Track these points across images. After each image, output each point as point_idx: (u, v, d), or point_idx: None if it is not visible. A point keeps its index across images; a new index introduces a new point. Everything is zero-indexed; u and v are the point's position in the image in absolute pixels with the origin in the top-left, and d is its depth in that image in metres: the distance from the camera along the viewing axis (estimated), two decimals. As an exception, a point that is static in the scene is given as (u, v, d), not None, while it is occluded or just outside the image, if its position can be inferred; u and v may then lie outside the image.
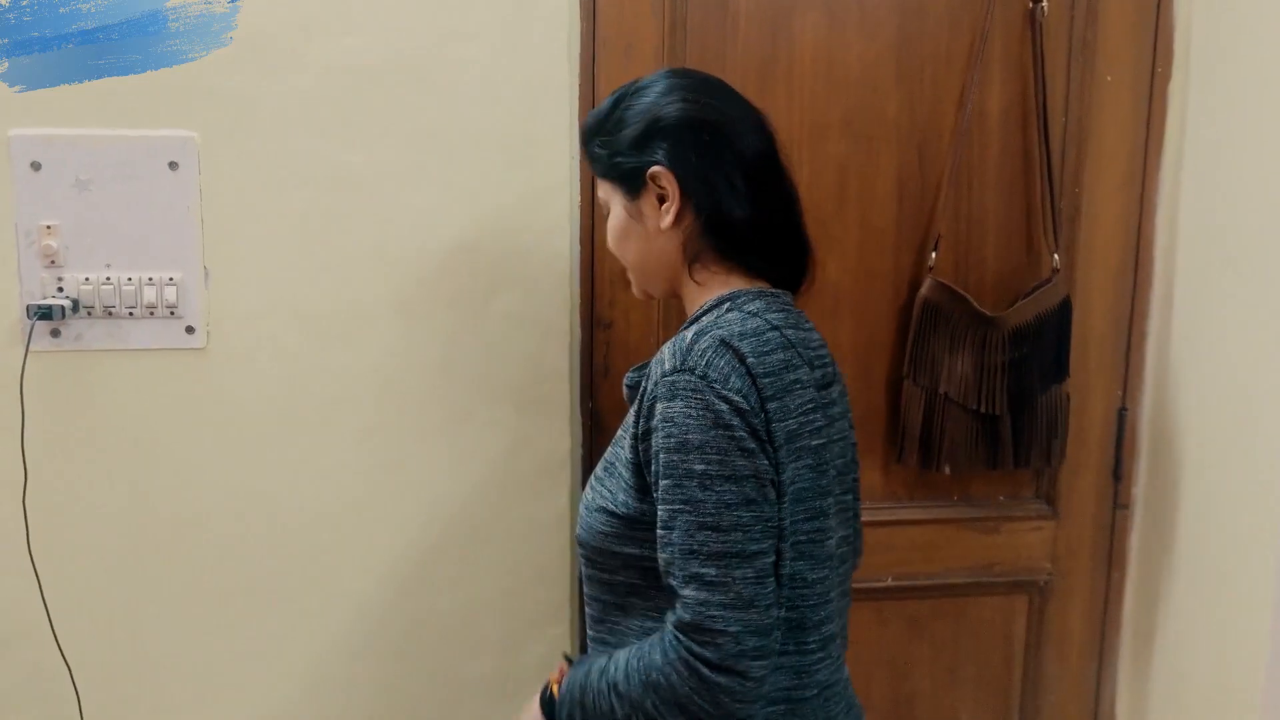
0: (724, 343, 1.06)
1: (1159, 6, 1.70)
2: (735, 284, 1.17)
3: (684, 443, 1.03)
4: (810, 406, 1.12)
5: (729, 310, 1.13)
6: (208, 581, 1.59)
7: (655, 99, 1.16)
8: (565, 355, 1.64)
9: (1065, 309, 1.68)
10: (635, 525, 1.10)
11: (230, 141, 1.51)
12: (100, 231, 1.50)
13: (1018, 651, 1.82)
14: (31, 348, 1.48)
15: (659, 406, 1.06)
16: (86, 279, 1.50)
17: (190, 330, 1.53)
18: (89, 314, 1.50)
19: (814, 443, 1.12)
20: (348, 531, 1.61)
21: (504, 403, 1.62)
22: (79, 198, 1.49)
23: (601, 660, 1.10)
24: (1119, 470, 1.79)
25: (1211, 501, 1.64)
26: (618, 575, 1.14)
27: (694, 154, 1.14)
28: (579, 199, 1.62)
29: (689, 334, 1.09)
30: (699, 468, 1.02)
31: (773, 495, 1.05)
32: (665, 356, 1.09)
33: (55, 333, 1.50)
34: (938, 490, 1.76)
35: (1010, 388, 1.67)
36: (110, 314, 1.51)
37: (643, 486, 1.09)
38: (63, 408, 1.52)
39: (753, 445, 1.04)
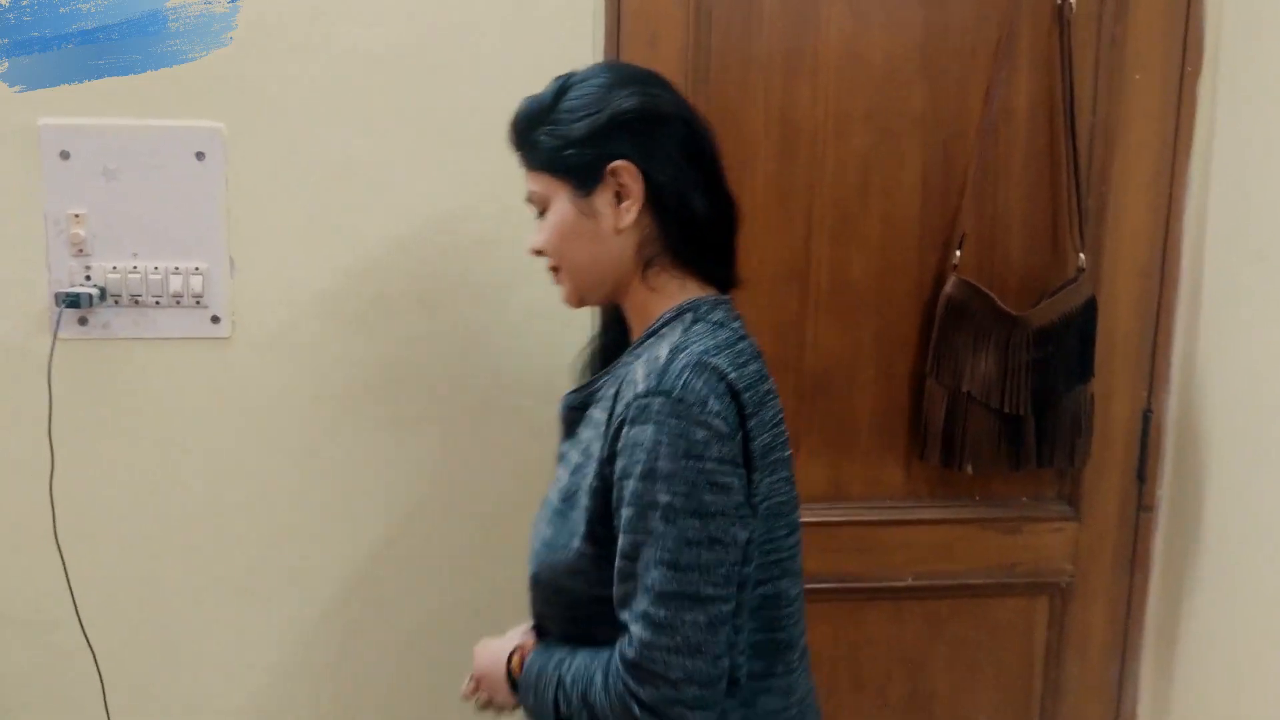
0: (702, 361, 1.00)
1: (1189, 4, 1.68)
2: (691, 291, 1.11)
3: (651, 470, 0.96)
4: (780, 417, 1.08)
5: (695, 322, 1.07)
6: (230, 567, 1.61)
7: (606, 90, 1.08)
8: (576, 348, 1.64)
9: (1090, 308, 1.67)
10: (604, 562, 1.03)
11: (256, 132, 1.52)
12: (128, 221, 1.51)
13: (1038, 653, 1.80)
14: (59, 335, 1.50)
15: (628, 430, 0.99)
16: (114, 268, 1.51)
17: (216, 320, 1.54)
18: (116, 302, 1.52)
19: (785, 454, 1.08)
20: (369, 519, 1.62)
21: (524, 393, 1.63)
22: (107, 187, 1.51)
23: (563, 652, 1.08)
24: (1143, 472, 1.77)
25: (1237, 504, 1.62)
26: (582, 611, 1.08)
27: (660, 149, 1.07)
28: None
29: (662, 351, 1.02)
30: (664, 499, 0.96)
31: (741, 537, 1.00)
32: (638, 376, 1.01)
33: (83, 320, 1.52)
34: (959, 489, 1.75)
35: (1034, 387, 1.66)
36: (137, 303, 1.52)
37: (609, 515, 1.03)
38: (89, 395, 1.54)
39: (726, 479, 0.98)
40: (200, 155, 1.51)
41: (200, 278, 1.53)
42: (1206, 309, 1.70)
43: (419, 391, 1.61)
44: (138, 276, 1.51)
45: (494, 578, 1.66)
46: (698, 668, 0.95)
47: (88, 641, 1.55)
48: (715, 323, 1.07)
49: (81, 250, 1.51)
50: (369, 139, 1.55)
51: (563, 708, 1.04)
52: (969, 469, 1.68)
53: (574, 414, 1.14)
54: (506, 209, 1.59)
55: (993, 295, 1.65)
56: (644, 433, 0.97)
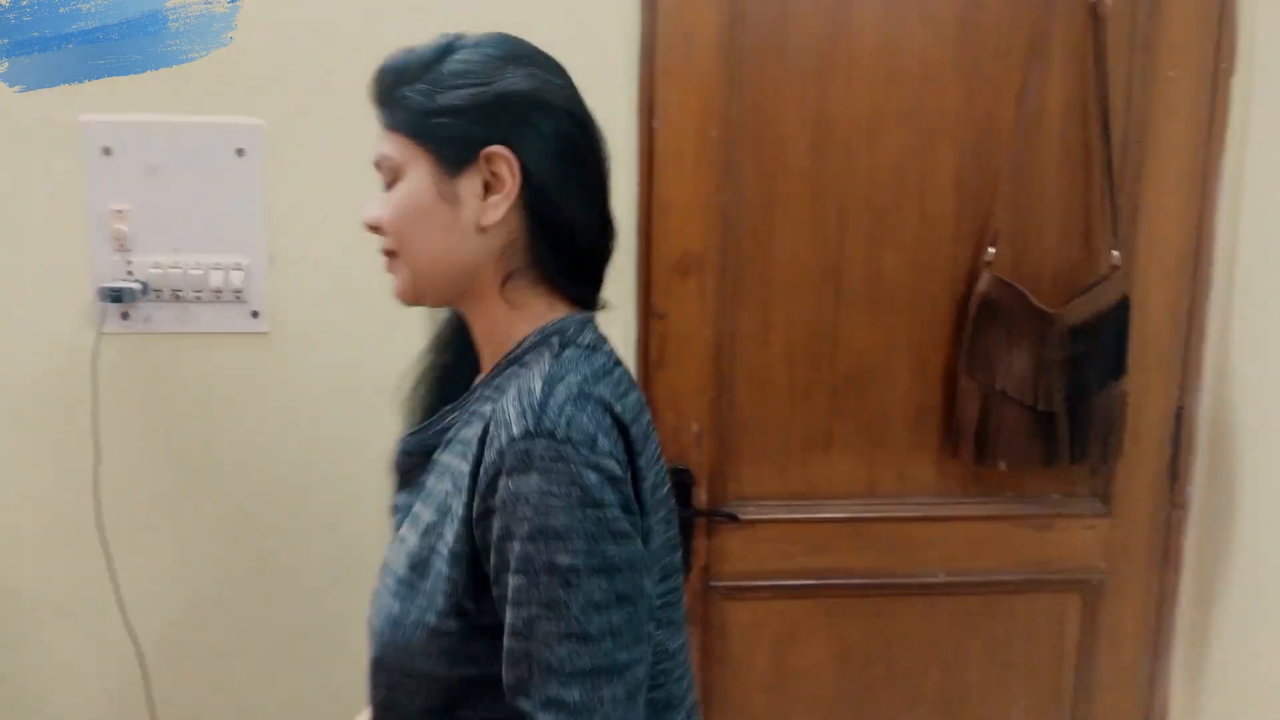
0: (584, 392, 0.86)
1: (1222, 1, 1.68)
2: (559, 311, 0.95)
3: (543, 529, 0.81)
4: (659, 451, 0.97)
5: (564, 346, 0.92)
6: (270, 559, 1.62)
7: (499, 63, 0.93)
8: (621, 345, 1.64)
9: (1124, 306, 1.67)
10: (472, 637, 0.87)
11: (296, 130, 1.53)
12: (169, 216, 1.53)
13: (1070, 650, 1.80)
14: (103, 329, 1.52)
15: (506, 481, 0.82)
16: (156, 263, 1.53)
17: (255, 315, 1.56)
18: (158, 297, 1.53)
19: (664, 490, 0.96)
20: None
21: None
22: (148, 183, 1.52)
23: None
24: (1175, 469, 1.77)
25: (1270, 502, 1.62)
26: (441, 696, 0.90)
27: (546, 144, 0.92)
28: (636, 189, 1.62)
29: (534, 384, 0.86)
30: (563, 560, 0.80)
31: (647, 587, 0.86)
32: (508, 416, 0.85)
33: (125, 315, 1.53)
34: (991, 486, 1.75)
35: (1067, 385, 1.66)
36: (178, 298, 1.54)
37: (478, 583, 0.86)
38: (133, 388, 1.55)
39: (626, 525, 0.84)
40: (240, 152, 1.52)
41: (240, 273, 1.54)
42: (1239, 307, 1.70)
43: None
44: (179, 272, 1.53)
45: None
46: None
47: (130, 632, 1.57)
48: (587, 346, 0.93)
49: (124, 245, 1.52)
50: (407, 136, 1.56)
51: None
52: (1002, 465, 1.68)
53: (414, 460, 0.98)
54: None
55: (1026, 292, 1.65)
56: (527, 483, 0.81)
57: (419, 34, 1.52)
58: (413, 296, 0.98)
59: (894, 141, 1.67)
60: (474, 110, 0.91)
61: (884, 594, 1.75)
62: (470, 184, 0.92)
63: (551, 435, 0.82)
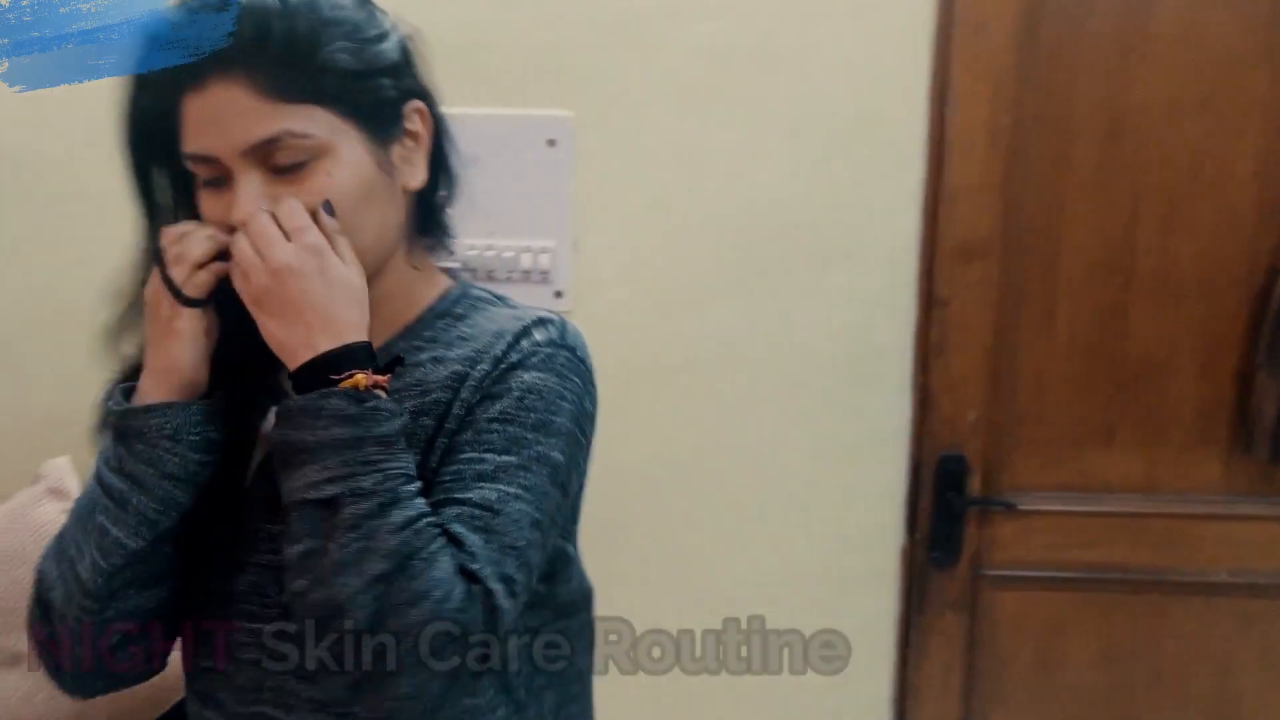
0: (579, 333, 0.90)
1: None
2: (446, 274, 0.94)
3: (547, 424, 0.82)
4: None
5: (498, 298, 0.94)
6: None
7: (365, 3, 0.84)
8: (900, 330, 1.67)
9: None
10: None
11: (603, 122, 1.62)
12: (485, 202, 1.63)
13: (1361, 660, 1.73)
14: (426, 306, 1.65)
15: (522, 375, 0.82)
16: (472, 245, 1.65)
17: (558, 294, 1.66)
18: (473, 277, 1.65)
19: None
20: (680, 491, 1.71)
21: (837, 375, 1.67)
22: (467, 172, 1.63)
23: (413, 475, 0.78)
24: None
25: None
26: None
27: (433, 91, 0.88)
28: (925, 175, 1.63)
29: (541, 312, 0.89)
30: (557, 458, 0.83)
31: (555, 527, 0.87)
32: (527, 325, 0.85)
33: (444, 293, 1.66)
34: (1281, 486, 1.69)
35: (1377, 384, 1.59)
36: (491, 277, 1.65)
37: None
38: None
39: (581, 471, 0.90)
40: (552, 142, 1.62)
41: (547, 255, 1.64)
42: None
43: (736, 369, 1.68)
44: (493, 254, 1.65)
45: (798, 552, 1.72)
46: (517, 581, 0.80)
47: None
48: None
49: (443, 229, 1.64)
50: (700, 126, 1.62)
51: (353, 533, 0.74)
52: (1302, 466, 1.62)
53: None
54: (828, 195, 1.63)
55: (1336, 287, 1.58)
56: (545, 380, 0.83)
57: (719, 31, 1.59)
58: None
59: (1193, 129, 1.62)
60: (395, 66, 0.83)
61: (1159, 591, 1.72)
62: (398, 149, 0.85)
63: (574, 351, 0.87)
